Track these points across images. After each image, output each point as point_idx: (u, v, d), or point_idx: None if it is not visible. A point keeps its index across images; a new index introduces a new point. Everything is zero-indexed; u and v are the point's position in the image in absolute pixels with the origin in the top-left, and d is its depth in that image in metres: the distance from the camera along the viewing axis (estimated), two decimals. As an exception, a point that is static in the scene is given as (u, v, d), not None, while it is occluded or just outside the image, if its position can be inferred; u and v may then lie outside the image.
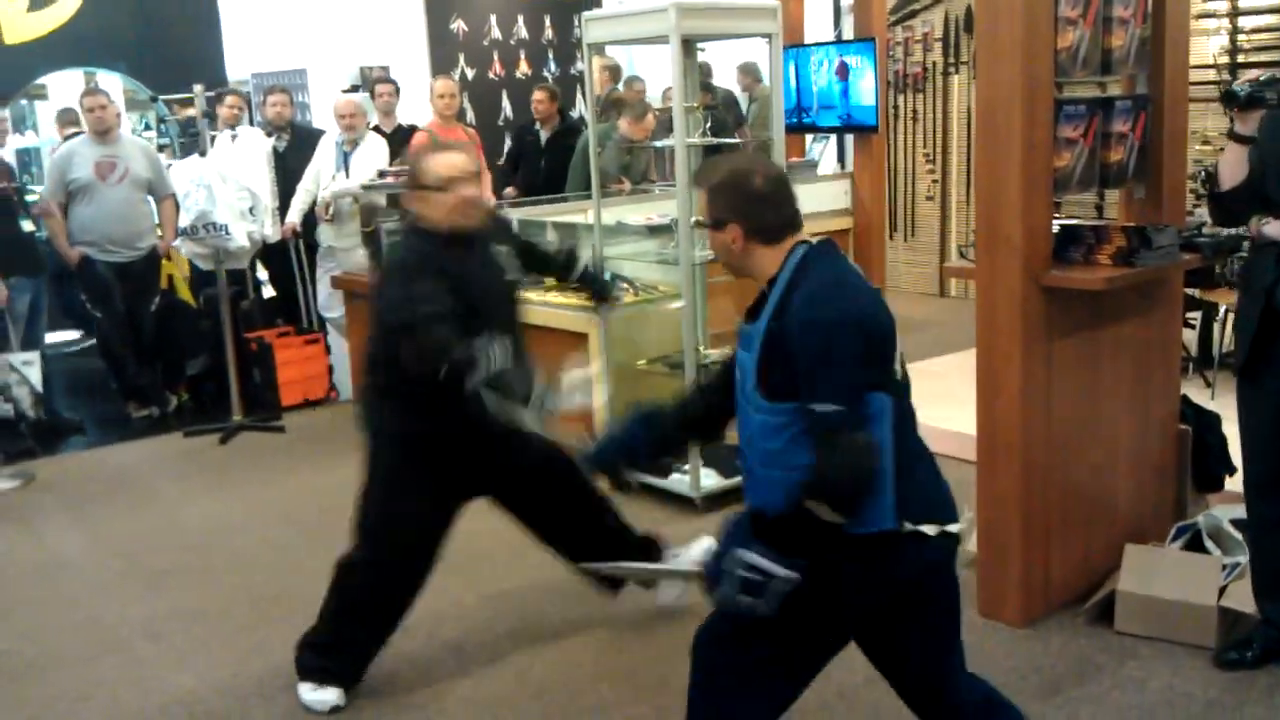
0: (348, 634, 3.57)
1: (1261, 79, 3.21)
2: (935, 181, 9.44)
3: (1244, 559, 3.69)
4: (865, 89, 7.80)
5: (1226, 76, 7.38)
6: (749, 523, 2.38)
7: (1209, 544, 3.78)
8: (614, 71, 9.08)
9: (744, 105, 9.69)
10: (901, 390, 2.33)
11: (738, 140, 8.05)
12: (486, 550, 4.42)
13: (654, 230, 5.46)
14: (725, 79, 10.20)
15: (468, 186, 3.32)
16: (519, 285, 3.70)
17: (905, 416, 2.34)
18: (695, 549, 3.83)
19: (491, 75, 10.60)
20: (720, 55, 9.79)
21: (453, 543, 3.62)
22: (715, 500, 5.00)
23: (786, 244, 2.38)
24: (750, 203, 2.37)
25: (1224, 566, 3.70)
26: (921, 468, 2.38)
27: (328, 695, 3.52)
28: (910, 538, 2.30)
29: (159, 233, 7.02)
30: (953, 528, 2.36)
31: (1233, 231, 5.33)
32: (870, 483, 2.24)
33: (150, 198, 6.96)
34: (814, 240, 2.40)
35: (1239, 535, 3.80)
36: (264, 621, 4.18)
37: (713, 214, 2.41)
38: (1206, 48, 7.45)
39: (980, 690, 2.57)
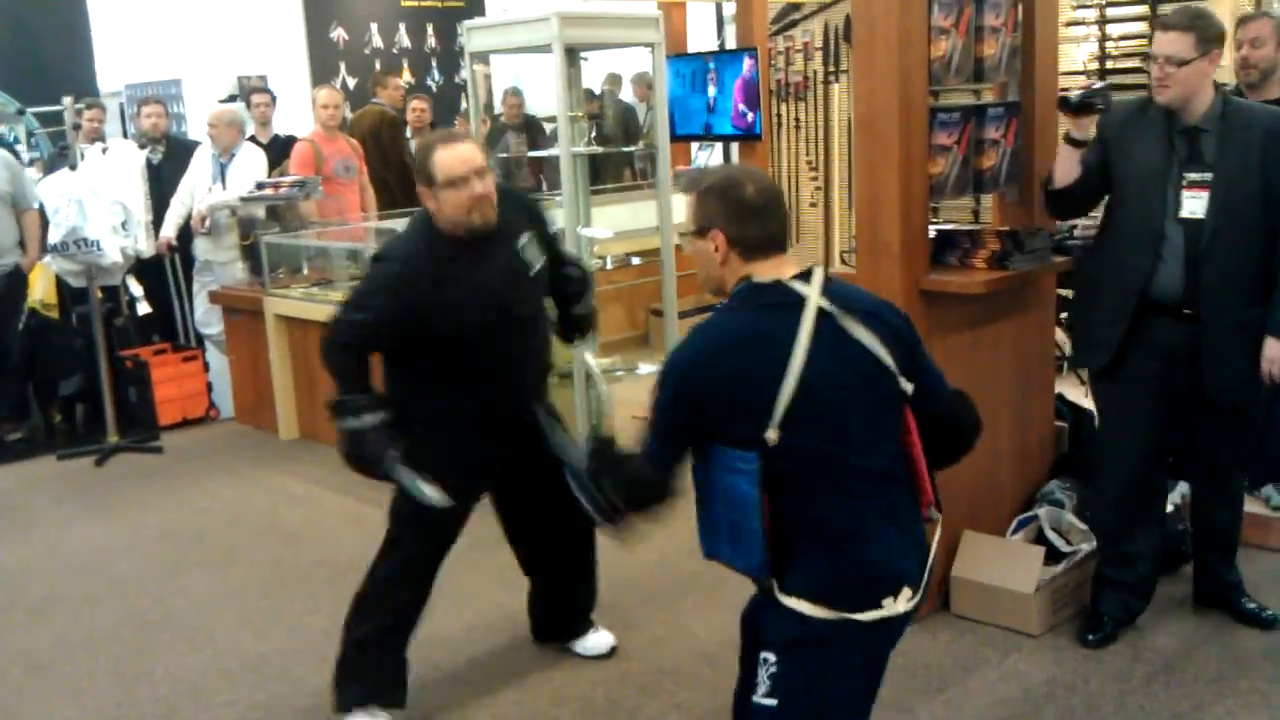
0: (373, 638, 3.38)
1: (1094, 87, 3.47)
2: (819, 189, 9.55)
3: (1088, 546, 3.87)
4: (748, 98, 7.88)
5: (1096, 83, 7.63)
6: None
7: (1050, 535, 3.90)
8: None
9: (642, 114, 9.76)
10: (791, 457, 2.19)
11: (632, 149, 8.14)
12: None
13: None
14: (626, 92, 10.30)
15: (480, 182, 3.17)
16: (546, 269, 3.47)
17: (804, 482, 2.22)
18: (599, 636, 3.83)
19: (400, 83, 10.48)
20: (625, 67, 9.90)
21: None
22: (607, 509, 4.99)
23: (754, 266, 2.28)
24: (738, 210, 2.27)
25: (1065, 555, 3.85)
26: (821, 547, 2.25)
27: None
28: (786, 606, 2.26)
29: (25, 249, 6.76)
30: (861, 616, 2.22)
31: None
32: (633, 506, 2.38)
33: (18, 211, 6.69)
34: (761, 280, 2.27)
35: (1084, 526, 3.94)
36: (150, 648, 4.06)
37: (698, 219, 2.32)
38: (1076, 55, 7.68)
39: None
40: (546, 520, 3.60)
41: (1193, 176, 3.36)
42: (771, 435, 2.18)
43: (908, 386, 2.31)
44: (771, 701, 2.27)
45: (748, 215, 2.27)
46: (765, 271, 2.28)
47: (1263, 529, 4.15)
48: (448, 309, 3.17)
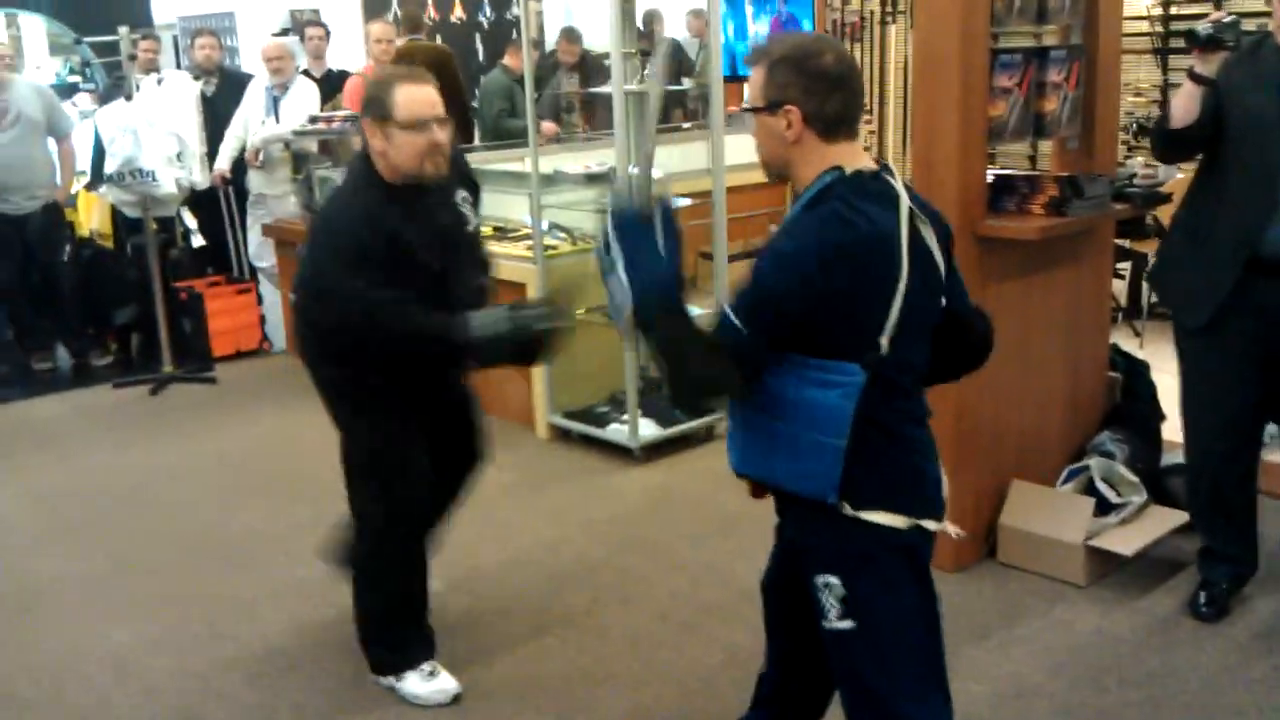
0: (393, 602, 3.32)
1: (1223, 20, 3.16)
2: (872, 132, 9.44)
3: (1139, 499, 3.83)
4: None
5: (1159, 29, 7.45)
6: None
7: (1100, 486, 3.87)
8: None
9: (694, 51, 9.66)
10: (888, 367, 2.07)
11: (683, 86, 8.07)
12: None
13: (592, 179, 5.41)
14: (675, 28, 10.19)
15: (440, 129, 2.94)
16: (479, 234, 3.31)
17: (889, 396, 2.10)
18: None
19: (426, 19, 10.42)
20: (672, 2, 9.80)
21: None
22: (654, 450, 5.02)
23: (834, 150, 2.10)
24: (816, 83, 2.06)
25: (1115, 506, 3.82)
26: (896, 453, 2.16)
27: (443, 684, 3.26)
28: (852, 522, 2.13)
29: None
30: (929, 524, 2.18)
31: (1160, 185, 5.42)
32: (698, 390, 2.18)
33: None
34: (857, 169, 2.09)
35: (1134, 478, 3.90)
36: (201, 572, 4.14)
37: (768, 93, 2.09)
38: (1140, -1, 7.51)
39: None
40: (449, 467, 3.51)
41: None
42: (885, 342, 2.05)
43: (943, 298, 2.23)
44: (848, 624, 2.17)
45: (827, 88, 2.07)
46: (846, 159, 2.10)
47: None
48: (399, 262, 2.96)
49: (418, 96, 2.92)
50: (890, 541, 2.16)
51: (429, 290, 3.01)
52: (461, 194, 3.22)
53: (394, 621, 3.33)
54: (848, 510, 2.12)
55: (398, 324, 2.96)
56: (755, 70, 2.14)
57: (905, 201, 2.10)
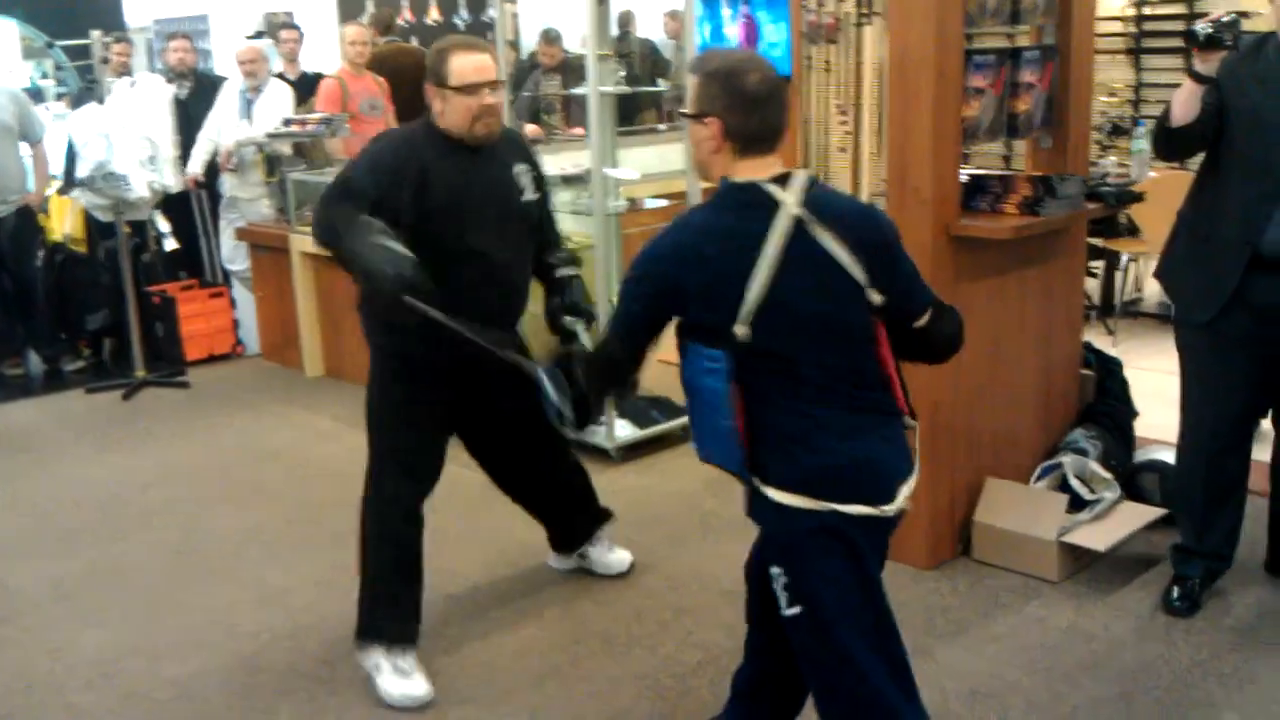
0: (381, 574, 3.38)
1: (1223, 20, 3.14)
2: (848, 133, 9.46)
3: (1111, 496, 3.86)
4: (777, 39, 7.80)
5: (1133, 29, 7.51)
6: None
7: (1074, 483, 3.90)
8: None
9: (671, 52, 9.67)
10: (758, 356, 2.21)
11: (659, 89, 8.07)
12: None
13: (568, 180, 5.41)
14: (651, 29, 10.19)
15: (492, 94, 3.18)
16: (538, 207, 3.43)
17: (787, 384, 2.23)
18: (616, 555, 3.98)
19: (401, 22, 10.40)
20: (646, 2, 9.79)
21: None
22: (631, 451, 5.02)
23: (744, 164, 2.26)
24: (739, 100, 2.23)
25: (1088, 503, 3.85)
26: (813, 439, 2.24)
27: (414, 688, 3.25)
28: (772, 503, 2.26)
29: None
30: (847, 508, 2.22)
31: (1133, 184, 5.46)
32: (590, 387, 2.44)
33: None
34: (737, 181, 2.27)
35: (1107, 475, 3.93)
36: (177, 579, 4.12)
37: (698, 103, 2.27)
38: None
39: None
40: (524, 453, 3.69)
41: None
42: (740, 330, 2.19)
43: (876, 297, 2.29)
44: (796, 609, 2.30)
45: (748, 106, 2.23)
46: (748, 172, 2.26)
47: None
48: (423, 202, 3.12)
49: (470, 63, 3.16)
50: (808, 524, 2.23)
51: (452, 241, 3.16)
52: (522, 167, 3.38)
53: (383, 581, 3.36)
54: (764, 488, 2.27)
55: (331, 201, 3.09)
56: (692, 79, 2.30)
57: (789, 209, 2.21)
